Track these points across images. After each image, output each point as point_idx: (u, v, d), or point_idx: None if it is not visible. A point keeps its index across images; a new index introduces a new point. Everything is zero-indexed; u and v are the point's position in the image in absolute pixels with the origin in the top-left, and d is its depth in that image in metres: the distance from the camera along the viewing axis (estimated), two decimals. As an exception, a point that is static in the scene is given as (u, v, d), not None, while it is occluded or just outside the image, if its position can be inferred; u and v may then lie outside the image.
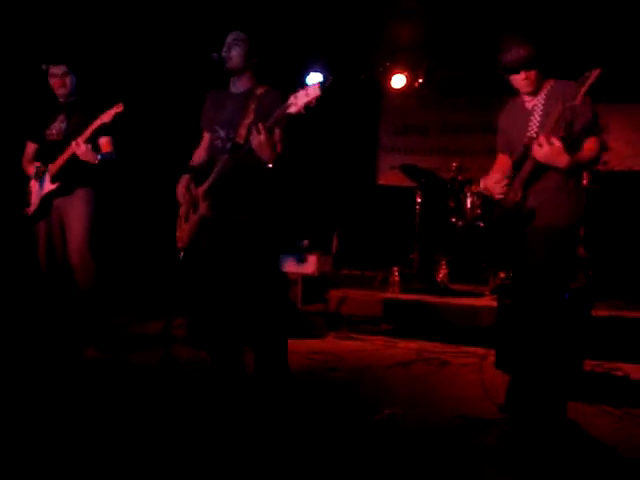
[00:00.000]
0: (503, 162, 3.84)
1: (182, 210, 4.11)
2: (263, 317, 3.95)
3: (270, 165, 3.72)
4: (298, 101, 3.54)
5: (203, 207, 3.93)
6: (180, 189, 4.01)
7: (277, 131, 3.72)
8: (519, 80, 3.57)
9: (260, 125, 3.59)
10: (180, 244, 4.11)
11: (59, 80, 4.87)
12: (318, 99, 3.52)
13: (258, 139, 3.58)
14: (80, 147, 4.65)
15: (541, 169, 3.51)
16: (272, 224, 3.96)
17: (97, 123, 4.63)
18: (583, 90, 3.28)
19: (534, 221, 3.57)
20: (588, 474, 3.08)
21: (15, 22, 6.13)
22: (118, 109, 4.60)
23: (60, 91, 4.89)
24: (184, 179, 4.02)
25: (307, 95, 3.52)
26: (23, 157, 5.06)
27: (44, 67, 4.89)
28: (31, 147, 5.04)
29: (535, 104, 3.62)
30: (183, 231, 4.06)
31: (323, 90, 3.51)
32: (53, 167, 4.80)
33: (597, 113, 3.50)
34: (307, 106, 3.53)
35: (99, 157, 4.73)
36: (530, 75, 3.54)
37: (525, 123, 3.64)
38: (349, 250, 7.80)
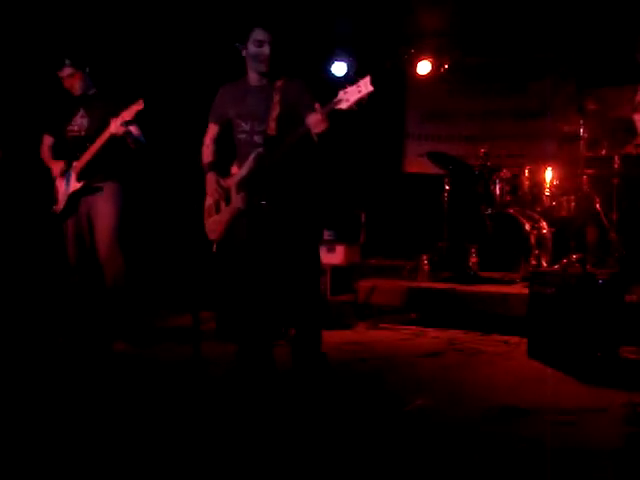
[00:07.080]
0: None
1: (210, 202, 4.10)
2: (306, 305, 3.95)
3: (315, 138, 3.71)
4: (349, 97, 3.54)
5: (238, 199, 3.92)
6: (211, 185, 4.01)
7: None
8: None
9: (320, 110, 3.64)
10: (213, 236, 4.10)
11: (68, 82, 4.90)
12: (370, 94, 3.52)
13: (316, 118, 3.59)
14: (117, 126, 4.62)
15: None
16: (312, 212, 3.96)
17: (119, 120, 4.63)
18: None
19: None
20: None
21: (29, 18, 6.15)
22: (139, 107, 4.59)
23: (73, 91, 4.92)
24: (212, 176, 4.02)
25: (359, 91, 3.51)
26: (41, 150, 5.04)
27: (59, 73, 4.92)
28: (48, 140, 5.02)
29: None
30: (216, 223, 4.05)
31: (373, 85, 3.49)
32: (78, 164, 4.81)
33: None
34: (359, 102, 3.54)
35: (136, 138, 4.75)
36: None
37: None
38: (377, 239, 7.73)
